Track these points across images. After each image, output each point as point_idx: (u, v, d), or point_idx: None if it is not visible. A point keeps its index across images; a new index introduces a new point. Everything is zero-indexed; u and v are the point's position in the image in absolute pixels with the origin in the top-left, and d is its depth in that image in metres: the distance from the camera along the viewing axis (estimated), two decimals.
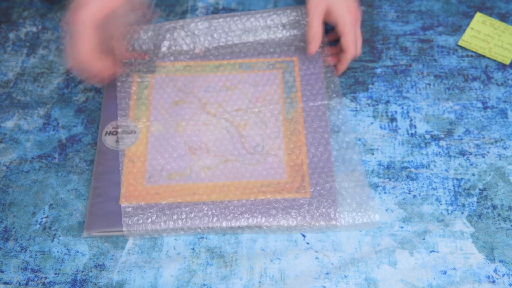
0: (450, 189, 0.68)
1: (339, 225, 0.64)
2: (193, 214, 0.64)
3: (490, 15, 0.81)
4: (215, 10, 0.83)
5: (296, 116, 0.71)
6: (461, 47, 0.78)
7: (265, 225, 0.64)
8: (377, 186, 0.68)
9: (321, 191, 0.66)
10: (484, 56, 0.77)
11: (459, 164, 0.69)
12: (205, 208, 0.65)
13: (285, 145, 0.69)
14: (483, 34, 0.79)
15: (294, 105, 0.72)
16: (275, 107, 0.72)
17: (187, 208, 0.65)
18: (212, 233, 0.65)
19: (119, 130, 0.70)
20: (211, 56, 0.77)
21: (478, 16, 0.80)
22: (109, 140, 0.70)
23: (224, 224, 0.64)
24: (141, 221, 0.64)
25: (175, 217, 0.64)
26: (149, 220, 0.64)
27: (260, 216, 0.64)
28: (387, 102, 0.74)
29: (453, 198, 0.67)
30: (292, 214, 0.64)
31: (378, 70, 0.77)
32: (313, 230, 0.65)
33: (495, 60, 0.77)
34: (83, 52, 0.64)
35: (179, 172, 0.68)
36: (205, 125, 0.71)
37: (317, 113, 0.71)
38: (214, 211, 0.65)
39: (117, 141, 0.70)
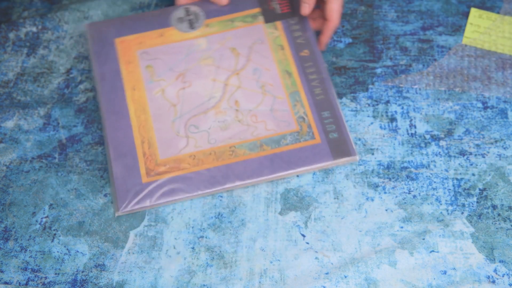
0: (450, 189, 0.68)
1: (358, 159, 0.68)
2: (217, 178, 0.67)
3: None
4: None
5: (289, 68, 0.73)
6: (462, 47, 0.78)
7: (288, 173, 0.67)
8: (377, 186, 0.68)
9: (331, 134, 0.68)
10: (483, 57, 0.77)
11: (459, 164, 0.69)
12: (227, 170, 0.67)
13: (287, 99, 0.71)
14: (483, 28, 0.79)
15: (285, 55, 0.74)
16: (269, 63, 0.73)
17: (211, 173, 0.67)
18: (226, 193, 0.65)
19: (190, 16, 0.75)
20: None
21: (474, 11, 0.80)
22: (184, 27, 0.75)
23: (248, 181, 0.67)
24: (167, 194, 0.66)
25: (201, 184, 0.67)
26: (175, 191, 0.66)
27: (280, 168, 0.67)
28: (387, 102, 0.74)
29: (453, 198, 0.67)
30: (310, 160, 0.67)
31: (378, 70, 0.77)
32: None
33: (501, 54, 0.77)
34: None
35: (193, 142, 0.69)
36: (205, 89, 0.73)
37: (308, 61, 0.73)
38: (236, 172, 0.67)
39: (191, 26, 0.74)
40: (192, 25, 0.75)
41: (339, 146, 0.68)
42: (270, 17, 0.76)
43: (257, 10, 0.77)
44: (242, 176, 0.67)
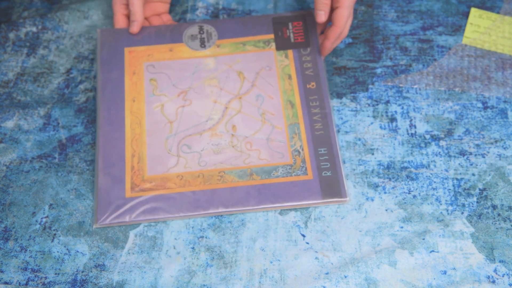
0: (450, 189, 0.68)
1: (348, 201, 0.67)
2: (201, 202, 0.66)
3: None
4: (215, 10, 0.83)
5: (293, 99, 0.72)
6: (462, 47, 0.78)
7: (273, 207, 0.66)
8: (377, 186, 0.68)
9: (325, 172, 0.67)
10: (483, 57, 0.77)
11: (459, 164, 0.69)
12: (213, 195, 0.66)
13: (285, 130, 0.70)
14: (483, 28, 0.79)
15: (291, 85, 0.73)
16: (274, 92, 0.73)
17: (196, 196, 0.66)
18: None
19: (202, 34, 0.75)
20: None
21: (474, 11, 0.80)
22: (194, 45, 0.75)
23: (232, 210, 0.66)
24: (148, 212, 0.66)
25: (184, 206, 0.66)
26: (157, 210, 0.66)
27: (267, 200, 0.66)
28: (387, 102, 0.74)
29: (453, 198, 0.67)
30: (299, 196, 0.66)
31: (378, 70, 0.77)
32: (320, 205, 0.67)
33: (501, 54, 0.77)
34: (115, 13, 0.77)
35: (183, 162, 0.68)
36: (205, 110, 0.72)
37: (313, 94, 0.72)
38: (222, 198, 0.66)
39: (202, 44, 0.75)
40: (203, 44, 0.75)
41: (331, 186, 0.66)
42: (282, 45, 0.75)
43: (270, 36, 0.76)
44: (226, 204, 0.66)
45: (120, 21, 0.77)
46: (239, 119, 0.71)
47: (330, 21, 0.75)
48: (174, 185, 0.67)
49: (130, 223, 0.66)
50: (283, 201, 0.66)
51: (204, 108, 0.72)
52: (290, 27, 0.76)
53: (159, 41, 0.76)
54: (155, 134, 0.70)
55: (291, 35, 0.76)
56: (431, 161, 0.70)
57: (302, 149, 0.69)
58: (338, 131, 0.72)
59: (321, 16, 0.71)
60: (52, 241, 0.65)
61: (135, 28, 0.75)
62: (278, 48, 0.75)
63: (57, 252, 0.65)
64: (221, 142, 0.69)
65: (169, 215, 0.65)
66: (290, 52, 0.75)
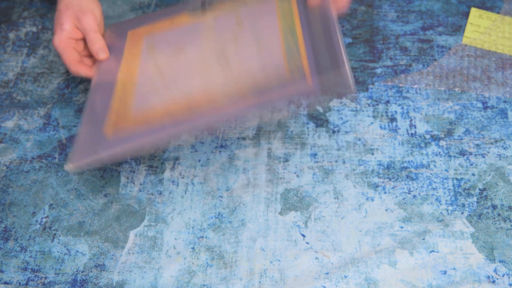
0: (450, 189, 0.68)
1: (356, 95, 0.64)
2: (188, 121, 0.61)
3: None
4: None
5: (290, 9, 0.69)
6: (462, 47, 0.78)
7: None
8: (377, 186, 0.68)
9: (328, 80, 0.60)
10: (483, 57, 0.77)
11: (459, 164, 0.69)
12: (202, 118, 0.61)
13: (281, 43, 0.66)
14: (483, 28, 0.79)
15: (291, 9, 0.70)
16: (270, 9, 0.71)
17: (182, 118, 0.62)
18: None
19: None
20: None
21: (474, 11, 0.80)
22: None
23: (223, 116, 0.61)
24: (131, 139, 0.61)
25: (170, 129, 0.61)
26: (138, 139, 0.61)
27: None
28: (387, 102, 0.74)
29: (453, 198, 0.67)
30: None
31: (378, 70, 0.77)
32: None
33: (501, 54, 0.77)
34: (69, 66, 0.70)
35: (170, 98, 0.65)
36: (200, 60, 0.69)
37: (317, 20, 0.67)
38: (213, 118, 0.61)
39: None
40: (203, 5, 0.75)
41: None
42: None
43: None
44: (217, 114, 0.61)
45: (72, 57, 0.71)
46: (233, 53, 0.68)
47: None
48: (160, 118, 0.62)
49: (110, 159, 0.62)
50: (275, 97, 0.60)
51: (198, 56, 0.69)
52: None
53: (161, 16, 0.76)
54: (145, 83, 0.68)
55: None
56: (431, 161, 0.70)
57: (302, 66, 0.63)
58: (338, 131, 0.72)
59: None
60: (52, 241, 0.65)
61: (104, 55, 0.72)
62: None
63: (57, 252, 0.65)
64: (214, 77, 0.66)
65: (154, 135, 0.61)
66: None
